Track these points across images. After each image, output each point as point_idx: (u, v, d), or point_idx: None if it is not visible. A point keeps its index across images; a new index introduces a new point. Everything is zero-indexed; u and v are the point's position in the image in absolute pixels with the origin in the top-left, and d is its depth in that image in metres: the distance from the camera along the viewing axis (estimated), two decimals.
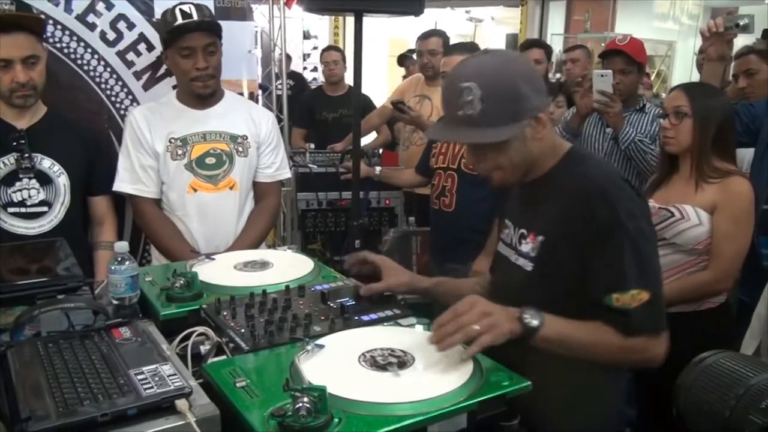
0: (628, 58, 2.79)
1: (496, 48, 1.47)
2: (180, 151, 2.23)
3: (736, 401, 1.00)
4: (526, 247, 1.45)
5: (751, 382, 1.02)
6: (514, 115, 1.34)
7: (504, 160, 1.40)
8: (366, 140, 4.15)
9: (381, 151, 4.56)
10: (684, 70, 8.07)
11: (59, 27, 2.45)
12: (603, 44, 8.55)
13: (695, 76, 4.08)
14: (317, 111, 4.73)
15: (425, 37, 3.83)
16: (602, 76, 2.67)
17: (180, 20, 2.12)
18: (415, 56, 4.45)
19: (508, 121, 1.34)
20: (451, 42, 3.77)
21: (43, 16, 2.33)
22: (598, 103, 2.68)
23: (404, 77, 5.47)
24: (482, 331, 1.21)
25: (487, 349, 1.23)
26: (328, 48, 5.16)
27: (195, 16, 2.13)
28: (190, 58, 2.16)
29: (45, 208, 2.12)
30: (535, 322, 1.27)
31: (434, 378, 1.15)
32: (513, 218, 1.55)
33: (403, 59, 5.89)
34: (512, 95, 1.33)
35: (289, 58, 6.89)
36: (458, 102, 1.34)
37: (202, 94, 2.23)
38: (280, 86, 3.61)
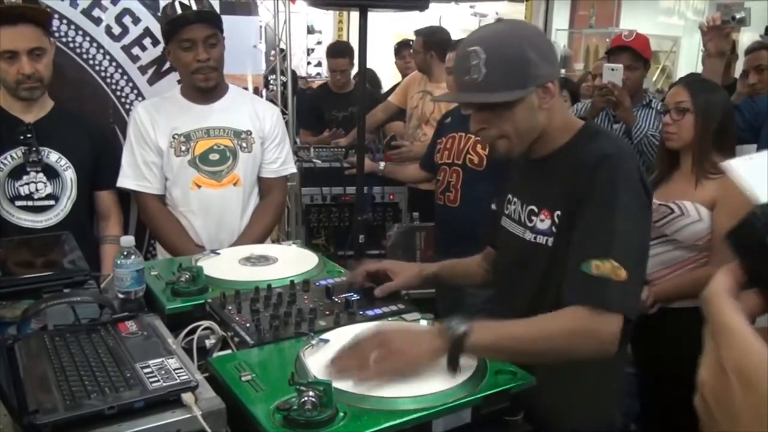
0: (635, 54, 2.78)
1: (511, 19, 1.40)
2: (183, 147, 2.23)
3: None
4: (543, 224, 1.42)
5: None
6: (519, 80, 1.33)
7: (509, 128, 1.38)
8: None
9: (383, 145, 4.53)
10: (689, 66, 8.03)
11: (65, 21, 2.45)
12: (608, 40, 8.53)
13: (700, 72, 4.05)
14: (326, 111, 4.58)
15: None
16: (613, 69, 2.66)
17: (179, 12, 2.12)
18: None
19: (512, 87, 1.33)
20: (453, 37, 3.77)
21: (48, 10, 2.34)
22: (607, 97, 2.67)
23: (400, 70, 5.26)
24: (379, 360, 1.12)
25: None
26: (335, 54, 4.61)
27: (194, 8, 2.13)
28: (190, 51, 2.15)
29: (52, 202, 2.13)
30: (461, 329, 1.16)
31: (439, 373, 1.15)
32: (519, 194, 1.52)
33: (400, 48, 5.31)
34: (517, 60, 1.32)
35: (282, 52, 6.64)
36: (465, 66, 1.34)
37: (204, 87, 2.22)
38: (284, 81, 3.61)
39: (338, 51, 4.64)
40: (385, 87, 5.18)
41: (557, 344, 1.24)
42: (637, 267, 1.30)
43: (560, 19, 9.05)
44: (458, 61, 1.38)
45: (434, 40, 3.76)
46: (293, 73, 6.43)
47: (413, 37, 4.05)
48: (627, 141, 2.72)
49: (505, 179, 1.64)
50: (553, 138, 1.43)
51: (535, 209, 1.45)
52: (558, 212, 1.39)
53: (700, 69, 2.98)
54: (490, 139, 1.42)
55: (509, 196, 1.56)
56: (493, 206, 1.69)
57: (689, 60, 8.28)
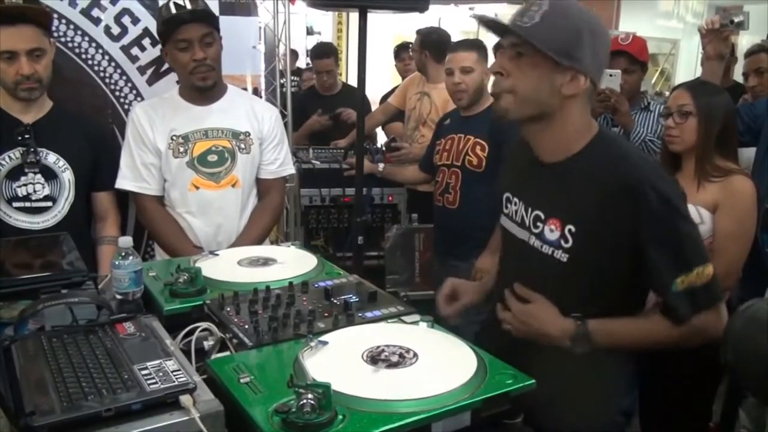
0: (632, 58, 2.78)
1: None
2: (182, 149, 2.22)
3: None
4: (552, 234, 1.40)
5: None
6: (561, 49, 1.30)
7: (522, 86, 1.35)
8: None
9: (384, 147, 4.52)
10: (688, 68, 8.05)
11: (64, 21, 2.45)
12: None
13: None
14: (312, 113, 4.48)
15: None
16: (611, 75, 2.65)
17: (174, 12, 2.12)
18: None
19: (551, 48, 1.30)
20: (451, 39, 3.77)
21: (49, 10, 2.33)
22: (605, 102, 2.67)
23: (400, 72, 5.26)
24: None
25: (491, 346, 1.25)
26: (320, 55, 4.52)
27: (189, 8, 2.12)
28: (187, 51, 2.15)
29: (49, 203, 2.13)
30: (583, 348, 1.36)
31: (438, 375, 1.15)
32: (522, 196, 1.50)
33: (399, 50, 5.31)
34: (572, 33, 1.31)
35: (295, 54, 6.58)
36: (524, 10, 1.33)
37: (202, 86, 2.21)
38: (283, 82, 3.60)
39: (322, 52, 4.57)
40: (384, 89, 5.18)
41: (667, 342, 1.40)
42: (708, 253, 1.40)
43: None
44: (521, 7, 1.36)
45: (429, 40, 3.75)
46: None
47: (413, 40, 4.05)
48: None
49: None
50: (568, 142, 1.40)
51: (542, 216, 1.43)
52: (570, 226, 1.37)
53: (699, 72, 2.99)
54: (499, 88, 1.40)
55: (507, 194, 1.55)
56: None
57: (688, 63, 8.30)
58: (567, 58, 1.31)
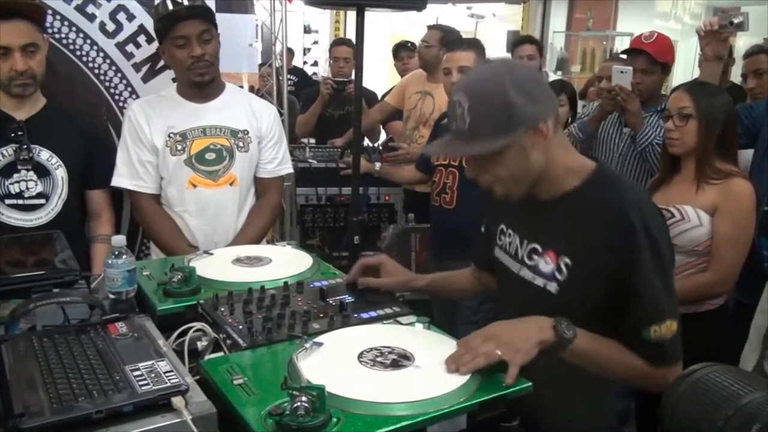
0: (651, 58, 2.70)
1: (499, 57, 1.34)
2: (179, 147, 2.20)
3: (725, 423, 0.91)
4: (546, 267, 1.39)
5: (742, 401, 0.91)
6: (504, 125, 1.28)
7: (502, 172, 1.33)
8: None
9: (381, 146, 4.49)
10: (686, 69, 8.04)
11: (58, 17, 2.43)
12: (605, 43, 8.53)
13: (697, 76, 4.06)
14: (322, 109, 4.42)
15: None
16: (622, 72, 2.60)
17: (171, 8, 2.10)
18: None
19: (498, 133, 1.28)
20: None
21: (43, 6, 2.31)
22: (613, 100, 2.63)
23: (399, 72, 5.26)
24: (504, 355, 1.16)
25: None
26: (340, 42, 4.69)
27: (186, 4, 2.11)
28: (185, 48, 2.13)
29: (42, 201, 2.11)
30: (569, 333, 1.25)
31: (434, 378, 1.14)
32: (517, 228, 1.49)
33: (398, 50, 5.20)
34: (500, 105, 1.27)
35: (291, 52, 6.60)
36: (452, 115, 1.33)
37: (200, 82, 2.19)
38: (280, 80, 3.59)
39: (341, 41, 4.77)
40: (381, 88, 5.16)
41: (629, 376, 1.35)
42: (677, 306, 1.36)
43: (558, 22, 9.05)
44: (449, 109, 1.37)
45: (451, 39, 3.72)
46: (302, 71, 6.32)
47: (410, 39, 4.03)
48: (627, 159, 2.69)
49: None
50: (561, 180, 1.39)
51: (539, 248, 1.42)
52: (567, 259, 1.36)
53: (696, 73, 2.97)
54: (485, 183, 1.39)
55: (502, 226, 1.54)
56: (483, 229, 1.67)
57: (686, 64, 8.30)
58: (516, 127, 1.29)
